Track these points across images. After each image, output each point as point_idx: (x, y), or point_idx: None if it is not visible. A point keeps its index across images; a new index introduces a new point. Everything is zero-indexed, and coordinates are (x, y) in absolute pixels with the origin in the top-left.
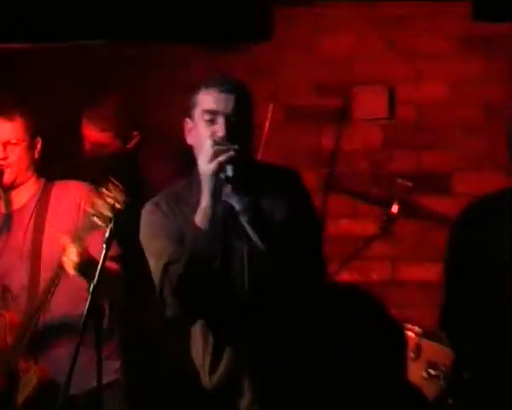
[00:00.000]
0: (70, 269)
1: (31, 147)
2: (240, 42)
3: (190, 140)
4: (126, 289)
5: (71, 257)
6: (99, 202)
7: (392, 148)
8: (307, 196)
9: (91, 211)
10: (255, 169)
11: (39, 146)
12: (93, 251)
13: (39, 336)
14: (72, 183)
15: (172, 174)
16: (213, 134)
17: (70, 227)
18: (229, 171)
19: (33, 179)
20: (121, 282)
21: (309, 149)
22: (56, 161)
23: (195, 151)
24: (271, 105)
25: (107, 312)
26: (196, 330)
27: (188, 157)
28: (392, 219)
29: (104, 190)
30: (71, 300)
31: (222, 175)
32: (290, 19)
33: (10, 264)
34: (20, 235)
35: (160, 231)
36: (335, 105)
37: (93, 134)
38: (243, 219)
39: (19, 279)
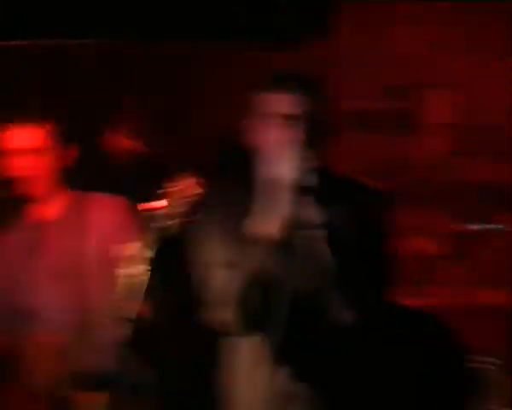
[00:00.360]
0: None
1: (60, 155)
2: (297, 39)
3: (251, 142)
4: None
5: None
6: (169, 201)
7: (465, 156)
8: (385, 218)
9: (161, 212)
10: (329, 178)
11: (70, 154)
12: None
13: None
14: (109, 197)
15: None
16: (280, 138)
17: (106, 245)
18: (305, 180)
19: (63, 191)
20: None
21: (372, 158)
22: (80, 169)
23: (258, 155)
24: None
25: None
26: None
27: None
28: (467, 238)
29: (173, 186)
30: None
31: (295, 184)
32: (355, 14)
33: (39, 283)
34: (51, 252)
35: (217, 231)
36: (403, 109)
37: (120, 141)
38: (312, 233)
39: (53, 300)
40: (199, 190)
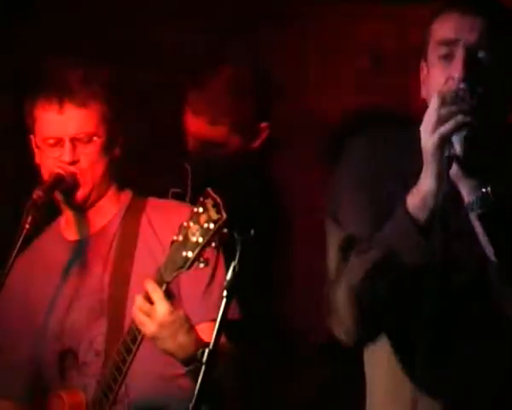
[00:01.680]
0: (147, 328)
1: (109, 145)
2: None
3: (424, 92)
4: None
5: (141, 306)
6: (190, 226)
7: None
8: None
9: (179, 239)
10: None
11: (121, 144)
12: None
13: None
14: (174, 204)
15: (317, 183)
16: (448, 78)
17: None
18: (457, 145)
19: (112, 191)
20: (235, 358)
21: None
22: (141, 165)
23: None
24: None
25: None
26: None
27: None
28: None
29: (196, 207)
30: (158, 369)
31: (446, 151)
32: None
33: (79, 317)
34: (95, 274)
35: (361, 192)
36: None
37: (200, 128)
38: (473, 214)
39: (89, 340)
40: (223, 217)
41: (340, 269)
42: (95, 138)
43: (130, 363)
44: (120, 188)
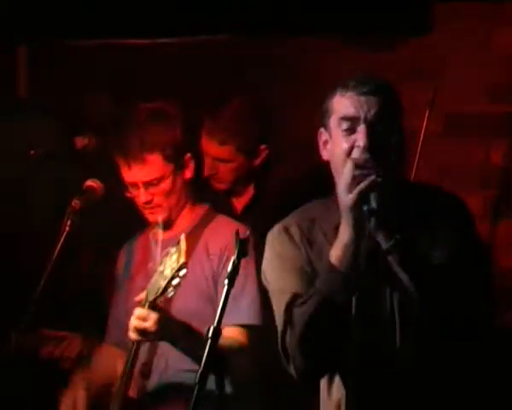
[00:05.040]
0: (131, 334)
1: (177, 170)
2: (394, 36)
3: (326, 155)
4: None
5: (132, 322)
6: (166, 261)
7: None
8: (474, 232)
9: (160, 269)
10: (409, 193)
11: (191, 164)
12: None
13: (143, 400)
14: (227, 221)
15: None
16: (352, 146)
17: (200, 280)
18: (373, 202)
19: (188, 207)
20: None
21: (474, 166)
22: None
23: (332, 168)
24: (427, 112)
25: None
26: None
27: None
28: None
29: (172, 248)
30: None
31: (364, 207)
32: (456, 10)
33: (130, 305)
34: (140, 274)
35: (289, 265)
36: (509, 112)
37: (212, 147)
38: (392, 260)
39: None
40: (184, 260)
41: (286, 322)
42: (164, 179)
43: (135, 355)
44: (196, 202)
